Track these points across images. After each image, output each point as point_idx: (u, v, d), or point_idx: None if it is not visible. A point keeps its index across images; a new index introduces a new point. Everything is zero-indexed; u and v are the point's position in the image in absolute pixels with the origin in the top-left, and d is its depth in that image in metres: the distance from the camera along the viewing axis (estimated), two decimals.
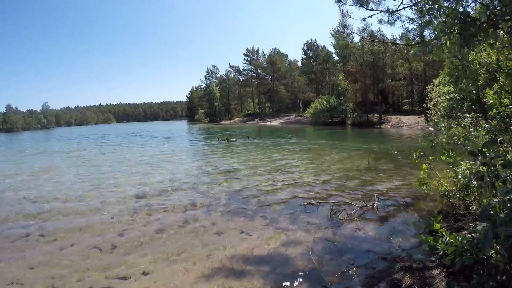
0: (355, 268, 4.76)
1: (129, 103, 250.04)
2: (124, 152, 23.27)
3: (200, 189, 10.22)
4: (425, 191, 6.75)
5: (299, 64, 79.62)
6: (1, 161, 22.13)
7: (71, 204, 9.22)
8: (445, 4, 3.69)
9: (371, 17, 7.30)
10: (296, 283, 4.47)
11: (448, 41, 3.44)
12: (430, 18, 3.68)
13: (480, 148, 3.17)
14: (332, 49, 62.93)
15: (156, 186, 10.97)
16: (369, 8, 7.24)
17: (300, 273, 4.72)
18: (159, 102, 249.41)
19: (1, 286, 4.90)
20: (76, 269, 5.28)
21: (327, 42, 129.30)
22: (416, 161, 6.52)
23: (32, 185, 12.17)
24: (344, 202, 7.89)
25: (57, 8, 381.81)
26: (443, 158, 5.89)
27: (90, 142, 37.02)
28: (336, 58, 63.70)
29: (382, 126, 39.32)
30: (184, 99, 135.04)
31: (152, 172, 13.72)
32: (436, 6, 3.56)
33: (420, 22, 6.96)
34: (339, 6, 7.71)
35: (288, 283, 4.47)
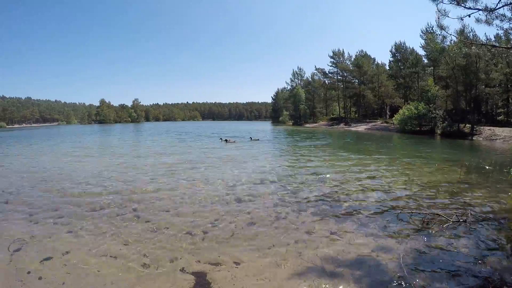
0: (446, 283, 4.63)
1: (215, 102, 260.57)
2: (214, 149, 24.41)
3: (289, 188, 10.42)
4: None
5: (387, 67, 75.70)
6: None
7: (164, 192, 9.99)
8: None
9: (469, 16, 6.98)
10: None
11: None
12: None
13: None
14: (421, 52, 58.32)
15: (245, 182, 11.44)
16: (466, 6, 6.90)
17: (390, 282, 4.67)
18: (244, 102, 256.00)
19: (94, 257, 5.49)
20: (168, 250, 5.75)
21: (416, 43, 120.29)
22: None
23: (126, 172, 13.49)
24: (437, 214, 7.53)
25: (148, 12, 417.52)
26: None
27: (179, 138, 39.39)
28: (425, 61, 58.85)
29: (473, 138, 35.54)
30: (269, 100, 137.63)
31: (241, 169, 14.27)
32: None
33: None
34: (436, 4, 7.48)
35: None
